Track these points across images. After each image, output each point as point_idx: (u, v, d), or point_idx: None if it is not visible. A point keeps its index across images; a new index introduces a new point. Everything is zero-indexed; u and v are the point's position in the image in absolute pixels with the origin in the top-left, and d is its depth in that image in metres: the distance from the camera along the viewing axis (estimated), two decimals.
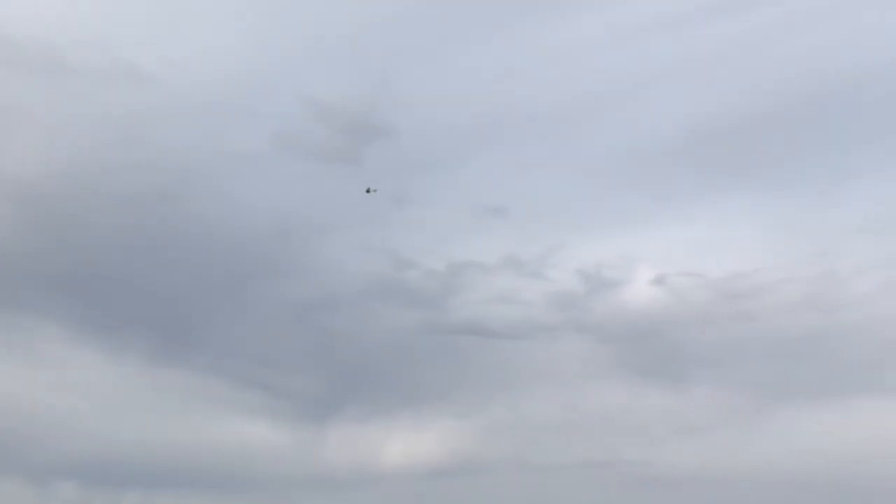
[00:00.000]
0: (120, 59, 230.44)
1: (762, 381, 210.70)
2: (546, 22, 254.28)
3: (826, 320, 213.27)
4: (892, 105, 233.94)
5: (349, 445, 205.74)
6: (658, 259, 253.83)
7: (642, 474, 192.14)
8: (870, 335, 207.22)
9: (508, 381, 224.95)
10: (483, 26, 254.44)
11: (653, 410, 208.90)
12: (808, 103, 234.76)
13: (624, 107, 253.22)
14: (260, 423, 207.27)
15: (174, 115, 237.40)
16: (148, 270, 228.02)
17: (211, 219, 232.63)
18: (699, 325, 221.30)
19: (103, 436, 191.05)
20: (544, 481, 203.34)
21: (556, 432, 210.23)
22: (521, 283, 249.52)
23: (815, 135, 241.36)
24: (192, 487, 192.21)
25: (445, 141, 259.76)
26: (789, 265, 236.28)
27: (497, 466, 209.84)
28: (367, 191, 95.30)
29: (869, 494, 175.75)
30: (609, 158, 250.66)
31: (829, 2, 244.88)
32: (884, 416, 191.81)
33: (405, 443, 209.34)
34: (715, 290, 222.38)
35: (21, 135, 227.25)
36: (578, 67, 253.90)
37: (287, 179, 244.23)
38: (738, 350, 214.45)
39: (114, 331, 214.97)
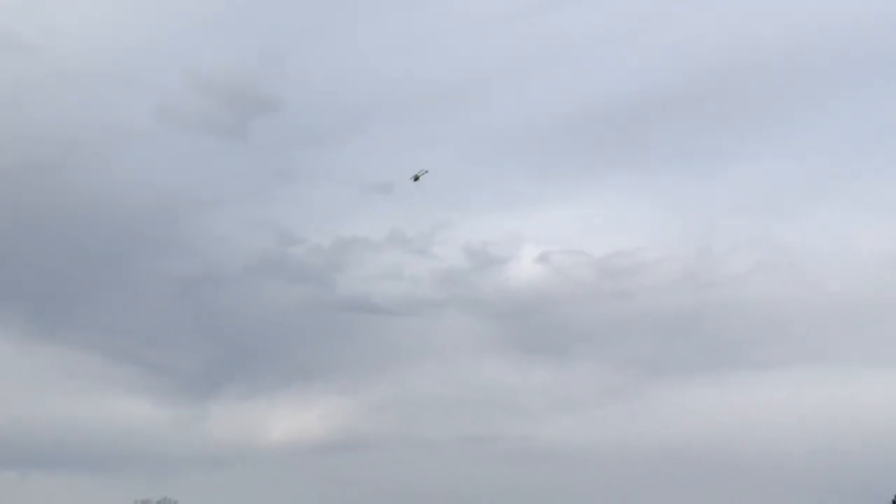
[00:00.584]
0: None
1: (641, 357, 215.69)
2: (438, 1, 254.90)
3: (702, 298, 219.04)
4: (767, 92, 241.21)
5: (232, 422, 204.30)
6: (543, 238, 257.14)
7: (525, 449, 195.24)
8: (743, 312, 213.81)
9: (394, 358, 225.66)
10: (373, 2, 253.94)
11: (536, 386, 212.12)
12: (689, 89, 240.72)
13: (513, 87, 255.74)
14: (141, 400, 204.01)
15: (55, 86, 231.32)
16: (25, 244, 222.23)
17: (91, 192, 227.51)
18: (581, 303, 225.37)
19: None
20: (429, 456, 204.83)
21: (441, 408, 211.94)
22: (407, 260, 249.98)
23: (694, 119, 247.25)
24: (71, 466, 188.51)
25: (333, 116, 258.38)
26: (668, 244, 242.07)
27: (382, 442, 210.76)
28: (416, 178, 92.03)
29: (741, 465, 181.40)
30: (496, 138, 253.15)
31: None
32: (756, 390, 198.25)
33: (289, 419, 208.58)
34: (597, 268, 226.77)
35: None
36: (469, 47, 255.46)
37: (170, 153, 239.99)
38: (619, 327, 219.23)
39: None
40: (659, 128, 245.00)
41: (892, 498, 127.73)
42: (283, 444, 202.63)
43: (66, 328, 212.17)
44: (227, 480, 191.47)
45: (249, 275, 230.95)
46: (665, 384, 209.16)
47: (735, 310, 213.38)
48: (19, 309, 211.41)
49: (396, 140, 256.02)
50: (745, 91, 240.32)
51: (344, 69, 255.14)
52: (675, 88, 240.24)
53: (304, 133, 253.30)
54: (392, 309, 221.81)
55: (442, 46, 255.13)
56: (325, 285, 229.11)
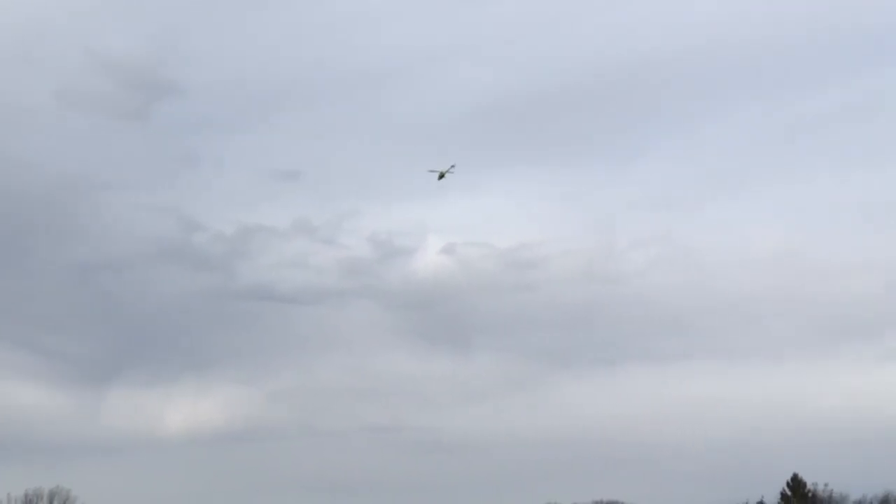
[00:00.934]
0: None
1: (544, 348, 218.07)
2: None
3: (603, 291, 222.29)
4: (671, 90, 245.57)
5: (130, 410, 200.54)
6: (448, 229, 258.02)
7: (427, 440, 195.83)
8: (642, 306, 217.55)
9: (297, 347, 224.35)
10: None
11: (439, 377, 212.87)
12: (596, 84, 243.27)
13: (422, 77, 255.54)
14: (36, 387, 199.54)
15: None
16: None
17: None
18: (486, 294, 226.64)
19: None
20: (330, 446, 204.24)
21: (344, 398, 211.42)
22: (312, 249, 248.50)
23: (601, 115, 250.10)
24: None
25: (238, 101, 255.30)
26: (571, 238, 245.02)
27: (283, 432, 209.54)
28: (441, 176, 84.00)
29: (640, 454, 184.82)
30: (404, 127, 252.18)
31: None
32: (653, 382, 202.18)
33: (189, 408, 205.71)
34: (501, 260, 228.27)
35: None
36: (380, 36, 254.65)
37: (70, 135, 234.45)
38: (522, 319, 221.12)
39: None
40: (566, 122, 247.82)
41: (782, 486, 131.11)
42: (181, 433, 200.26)
43: None
44: (124, 469, 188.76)
45: (150, 261, 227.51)
46: (566, 375, 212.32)
47: (634, 304, 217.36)
48: None
49: (303, 127, 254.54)
50: (650, 88, 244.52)
51: (251, 55, 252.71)
52: (583, 83, 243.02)
53: (209, 118, 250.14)
54: (296, 298, 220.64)
55: (352, 34, 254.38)
56: (227, 273, 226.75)
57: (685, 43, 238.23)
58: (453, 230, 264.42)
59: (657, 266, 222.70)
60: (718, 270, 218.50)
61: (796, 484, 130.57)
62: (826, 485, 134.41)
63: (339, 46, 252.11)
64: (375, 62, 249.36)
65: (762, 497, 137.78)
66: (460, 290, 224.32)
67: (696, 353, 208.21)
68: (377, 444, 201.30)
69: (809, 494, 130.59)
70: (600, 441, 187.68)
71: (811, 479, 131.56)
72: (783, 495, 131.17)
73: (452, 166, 77.33)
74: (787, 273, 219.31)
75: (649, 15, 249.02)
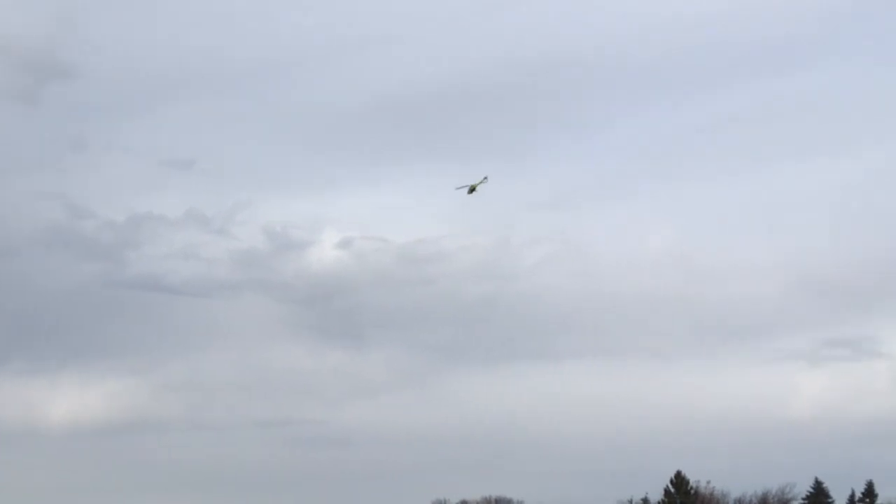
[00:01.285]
0: None
1: (438, 344, 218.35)
2: None
3: (499, 288, 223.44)
4: (573, 91, 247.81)
5: (12, 400, 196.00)
6: (345, 222, 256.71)
7: (317, 434, 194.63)
8: (536, 304, 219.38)
9: (186, 340, 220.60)
10: None
11: (331, 371, 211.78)
12: (498, 82, 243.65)
13: (322, 69, 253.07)
14: None
15: None
16: None
17: None
18: (381, 289, 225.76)
19: None
20: (218, 440, 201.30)
21: (233, 391, 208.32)
22: (204, 239, 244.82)
23: (501, 112, 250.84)
24: None
25: (132, 87, 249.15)
26: (469, 234, 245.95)
27: (170, 425, 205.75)
28: (471, 190, 75.04)
29: (532, 449, 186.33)
30: (303, 118, 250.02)
31: None
32: (546, 379, 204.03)
33: (73, 399, 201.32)
34: (398, 254, 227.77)
35: None
36: (279, 24, 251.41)
37: None
38: (417, 314, 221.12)
39: None
40: (465, 119, 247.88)
41: (666, 482, 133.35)
42: (65, 423, 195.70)
43: None
44: (5, 460, 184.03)
45: (35, 248, 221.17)
46: (460, 371, 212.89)
47: (529, 301, 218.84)
48: None
49: (198, 116, 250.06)
50: (550, 89, 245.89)
51: (148, 41, 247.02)
52: (485, 81, 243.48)
53: (101, 102, 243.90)
54: (187, 289, 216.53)
55: (251, 23, 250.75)
56: (116, 262, 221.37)
57: (585, 45, 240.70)
58: (350, 224, 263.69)
59: (551, 264, 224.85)
60: (610, 270, 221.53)
61: (679, 481, 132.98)
62: (708, 482, 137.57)
63: (238, 35, 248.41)
64: (274, 52, 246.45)
65: (646, 494, 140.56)
66: (356, 284, 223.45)
67: (587, 352, 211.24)
68: (266, 438, 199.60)
69: (692, 492, 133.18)
70: (491, 437, 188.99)
71: (694, 477, 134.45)
72: (666, 492, 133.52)
73: (485, 178, 71.47)
74: (676, 274, 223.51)
75: (554, 15, 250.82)
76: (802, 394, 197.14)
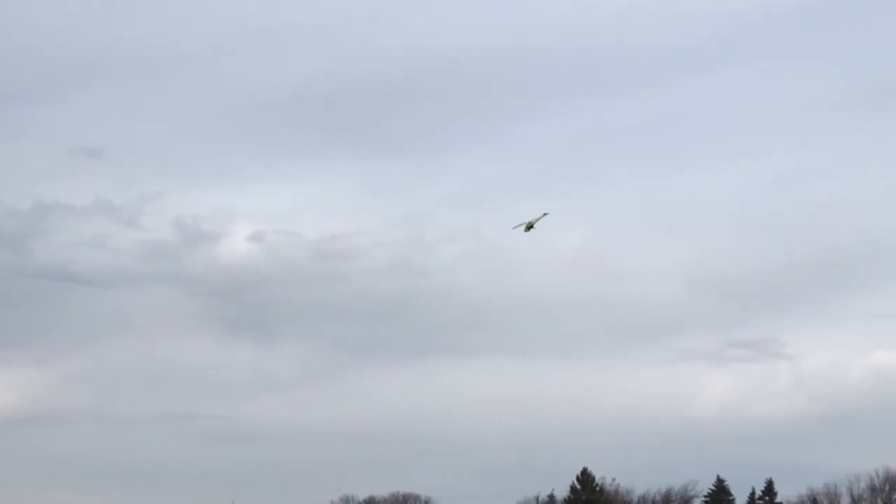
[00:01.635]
0: None
1: (349, 340, 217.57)
2: None
3: (413, 285, 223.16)
4: (489, 89, 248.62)
5: None
6: (257, 216, 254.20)
7: (223, 428, 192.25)
8: (449, 301, 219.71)
9: (92, 331, 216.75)
10: None
11: (239, 366, 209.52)
12: (417, 80, 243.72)
13: (237, 60, 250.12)
14: None
15: None
16: None
17: None
18: (293, 284, 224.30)
19: None
20: (123, 433, 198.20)
21: (139, 384, 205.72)
22: (112, 230, 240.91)
23: (419, 110, 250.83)
24: None
25: (42, 74, 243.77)
26: (383, 230, 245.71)
27: (74, 416, 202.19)
28: (528, 228, 71.54)
29: (443, 444, 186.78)
30: (218, 109, 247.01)
31: None
32: (457, 375, 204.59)
33: None
34: (311, 249, 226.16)
35: None
36: (195, 14, 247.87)
37: None
38: (330, 309, 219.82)
39: None
40: (383, 115, 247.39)
41: (573, 478, 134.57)
42: None
43: None
44: None
45: None
46: (371, 368, 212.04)
47: (442, 298, 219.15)
48: None
49: (109, 104, 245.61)
50: (468, 86, 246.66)
51: (59, 27, 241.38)
52: (403, 77, 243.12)
53: (7, 90, 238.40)
54: (93, 280, 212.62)
55: (166, 13, 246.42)
56: (21, 251, 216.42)
57: (503, 43, 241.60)
58: (262, 217, 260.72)
59: (466, 261, 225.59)
60: (523, 269, 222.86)
61: (585, 478, 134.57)
62: (614, 479, 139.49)
63: (152, 24, 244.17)
64: (189, 42, 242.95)
65: (553, 490, 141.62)
66: (267, 278, 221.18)
67: (499, 349, 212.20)
68: (170, 431, 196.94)
69: (598, 489, 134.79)
70: (400, 434, 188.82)
71: (600, 474, 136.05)
72: (573, 489, 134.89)
73: (545, 214, 69.36)
74: (587, 274, 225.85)
75: (473, 13, 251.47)
76: (706, 393, 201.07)
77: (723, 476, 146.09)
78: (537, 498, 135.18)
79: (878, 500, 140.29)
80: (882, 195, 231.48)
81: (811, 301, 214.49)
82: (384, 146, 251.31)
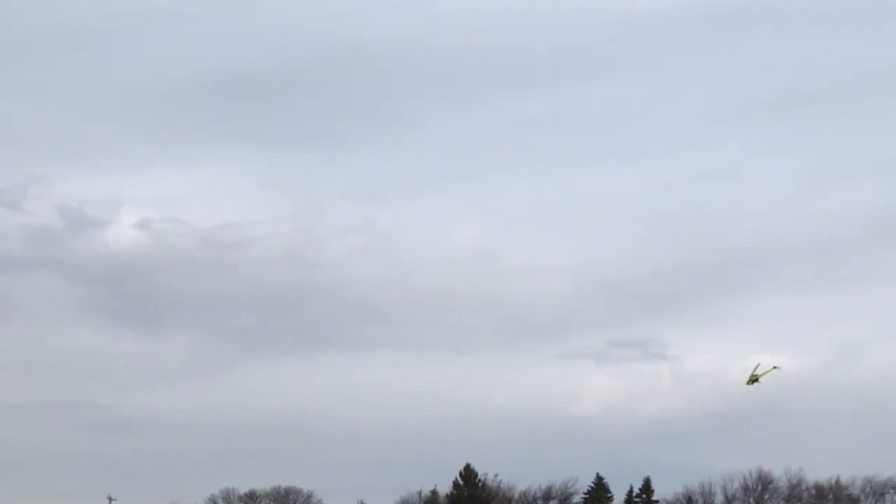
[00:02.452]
0: None
1: (238, 331, 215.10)
2: None
3: (304, 277, 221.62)
4: (383, 83, 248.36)
5: None
6: (145, 203, 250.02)
7: (105, 418, 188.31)
8: (342, 294, 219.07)
9: None
10: None
11: (125, 355, 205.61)
12: (310, 69, 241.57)
13: (128, 44, 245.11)
14: None
15: None
16: None
17: None
18: (181, 273, 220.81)
19: None
20: (6, 421, 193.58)
21: (21, 371, 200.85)
22: None
23: (314, 100, 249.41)
24: None
25: None
26: (275, 221, 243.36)
27: None
28: (753, 381, 71.80)
29: (331, 438, 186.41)
30: (107, 92, 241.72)
31: None
32: (347, 369, 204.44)
33: None
34: (201, 238, 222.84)
35: None
36: None
37: None
38: (217, 300, 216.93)
39: None
40: (278, 103, 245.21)
41: (458, 470, 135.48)
42: None
43: None
44: None
45: None
46: (260, 360, 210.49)
47: (334, 292, 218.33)
48: None
49: None
50: (366, 79, 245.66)
51: None
52: (301, 67, 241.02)
53: None
54: None
55: None
56: None
57: (401, 38, 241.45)
58: (151, 205, 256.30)
59: (359, 255, 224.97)
60: (416, 265, 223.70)
61: (468, 474, 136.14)
62: (496, 475, 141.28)
63: (39, 3, 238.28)
64: (79, 21, 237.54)
65: (436, 486, 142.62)
66: (154, 266, 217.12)
67: (389, 344, 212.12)
68: (51, 420, 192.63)
69: (480, 484, 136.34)
70: (285, 427, 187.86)
71: (483, 470, 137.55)
72: (455, 484, 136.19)
73: (774, 367, 68.69)
74: (478, 271, 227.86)
75: (372, 6, 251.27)
76: (591, 392, 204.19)
77: (603, 474, 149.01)
78: (420, 493, 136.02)
79: (751, 500, 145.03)
80: (767, 203, 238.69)
81: (695, 304, 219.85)
82: (279, 137, 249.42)
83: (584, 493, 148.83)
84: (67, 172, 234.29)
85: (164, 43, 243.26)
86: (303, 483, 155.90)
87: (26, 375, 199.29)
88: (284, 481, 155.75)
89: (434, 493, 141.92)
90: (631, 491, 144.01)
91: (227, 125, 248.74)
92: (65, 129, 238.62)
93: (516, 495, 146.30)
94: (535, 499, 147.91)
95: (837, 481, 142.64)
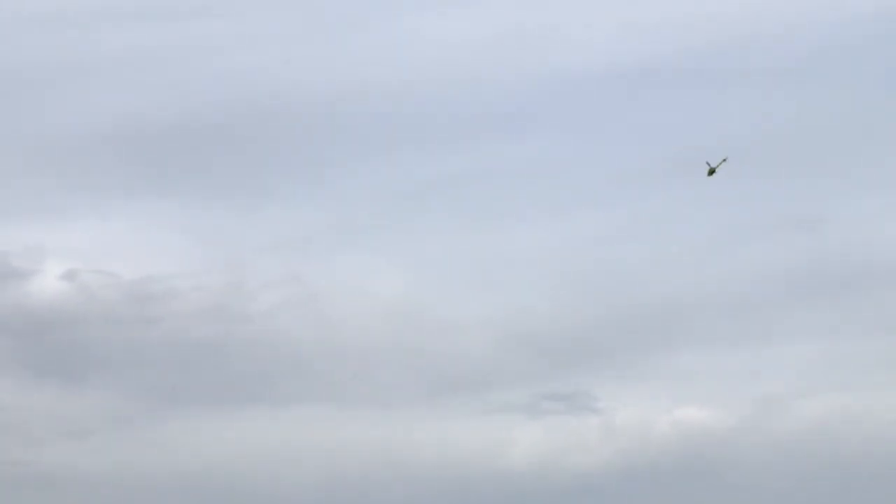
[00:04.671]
0: None
1: (160, 385, 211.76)
2: None
3: (230, 331, 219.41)
4: (308, 132, 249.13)
5: None
6: (71, 254, 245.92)
7: (21, 474, 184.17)
8: (267, 348, 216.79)
9: None
10: None
11: (41, 410, 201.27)
12: (233, 120, 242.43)
13: (56, 91, 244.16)
14: None
15: None
16: None
17: None
18: (105, 326, 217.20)
19: None
20: None
21: None
22: None
23: (238, 152, 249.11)
24: None
25: None
26: (201, 274, 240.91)
27: None
28: (711, 172, 75.94)
29: (253, 495, 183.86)
30: (30, 141, 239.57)
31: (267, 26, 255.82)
32: (272, 424, 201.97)
33: None
34: (126, 290, 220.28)
35: None
36: (12, 39, 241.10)
37: None
38: (140, 353, 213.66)
39: None
40: (201, 155, 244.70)
41: None
42: None
43: None
44: None
45: None
46: (183, 414, 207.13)
47: (260, 345, 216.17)
48: None
49: None
50: (285, 129, 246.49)
51: None
52: (229, 120, 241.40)
53: None
54: None
55: None
56: None
57: (328, 89, 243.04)
58: (77, 256, 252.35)
59: (285, 309, 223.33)
60: (342, 318, 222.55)
61: None
62: None
63: None
64: (2, 71, 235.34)
65: None
66: (78, 319, 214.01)
67: (313, 398, 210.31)
68: None
69: None
70: (204, 483, 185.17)
71: None
72: None
73: (725, 160, 70.89)
74: (404, 325, 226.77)
75: (301, 57, 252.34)
76: (519, 446, 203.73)
77: None
78: None
79: None
80: (686, 259, 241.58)
81: (620, 358, 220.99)
82: (207, 188, 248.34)
83: None
84: None
85: (92, 93, 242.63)
86: None
87: None
88: None
89: None
90: None
91: (153, 177, 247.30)
92: None
93: None
94: None
95: None
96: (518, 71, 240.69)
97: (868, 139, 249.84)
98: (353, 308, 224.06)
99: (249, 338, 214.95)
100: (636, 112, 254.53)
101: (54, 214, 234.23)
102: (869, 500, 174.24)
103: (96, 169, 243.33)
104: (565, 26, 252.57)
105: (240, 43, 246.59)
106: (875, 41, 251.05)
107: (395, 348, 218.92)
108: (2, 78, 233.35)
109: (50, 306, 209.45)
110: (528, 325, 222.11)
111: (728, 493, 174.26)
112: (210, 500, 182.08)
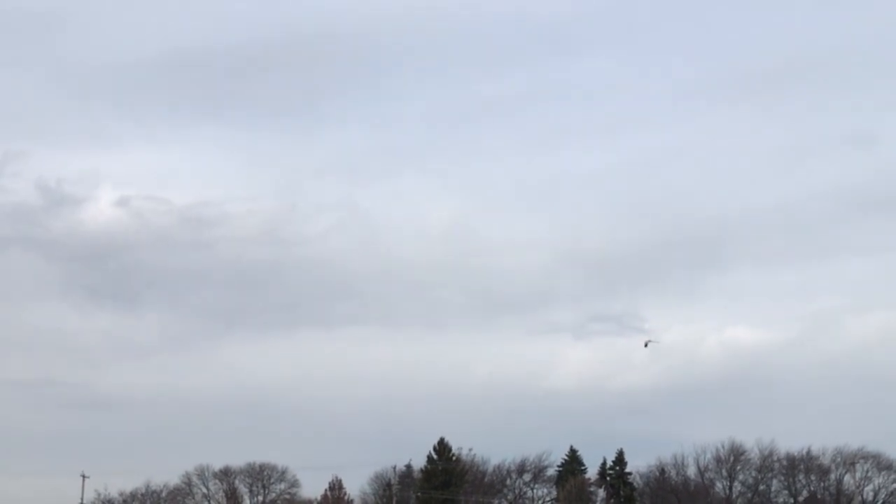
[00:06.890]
0: None
1: (215, 308, 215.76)
2: None
3: (282, 254, 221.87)
4: (365, 59, 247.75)
5: None
6: (124, 180, 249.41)
7: (81, 395, 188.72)
8: (321, 270, 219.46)
9: None
10: None
11: (100, 333, 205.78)
12: (289, 46, 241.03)
13: (110, 19, 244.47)
14: None
15: None
16: None
17: None
18: (159, 250, 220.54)
19: None
20: None
21: None
22: None
23: (292, 78, 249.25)
24: None
25: None
26: (254, 198, 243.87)
27: None
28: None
29: (310, 415, 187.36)
30: (86, 69, 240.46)
31: None
32: (325, 345, 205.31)
33: None
34: (179, 216, 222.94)
35: None
36: None
37: None
38: (196, 277, 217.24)
39: None
40: (256, 81, 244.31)
41: (433, 445, 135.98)
42: None
43: None
44: None
45: None
46: (237, 337, 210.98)
47: (313, 268, 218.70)
48: None
49: None
50: (346, 59, 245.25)
51: None
52: (277, 44, 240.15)
53: None
54: None
55: None
56: None
57: (382, 15, 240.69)
58: (129, 182, 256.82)
59: (337, 231, 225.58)
60: (394, 240, 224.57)
61: (442, 448, 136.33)
62: (470, 449, 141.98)
63: None
64: (56, 1, 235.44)
65: (410, 460, 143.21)
66: (132, 244, 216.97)
67: (366, 319, 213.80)
68: (26, 398, 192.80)
69: (454, 458, 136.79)
70: (259, 403, 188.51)
71: (457, 444, 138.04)
72: (429, 458, 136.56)
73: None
74: (456, 246, 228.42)
75: None
76: (567, 366, 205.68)
77: (576, 447, 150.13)
78: (394, 468, 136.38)
79: (723, 470, 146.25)
80: (740, 178, 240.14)
81: (670, 278, 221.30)
82: (258, 114, 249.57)
83: (558, 466, 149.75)
84: (46, 150, 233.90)
85: (144, 21, 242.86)
86: (278, 459, 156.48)
87: (2, 353, 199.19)
88: (259, 457, 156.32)
89: (409, 467, 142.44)
90: (604, 463, 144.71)
91: (205, 103, 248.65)
92: (43, 106, 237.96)
93: (490, 469, 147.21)
94: (509, 472, 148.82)
95: (808, 452, 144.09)
96: None
97: None
98: (406, 230, 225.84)
99: (303, 261, 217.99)
100: (689, 33, 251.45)
101: (107, 142, 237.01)
102: None
103: (150, 97, 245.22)
104: None
105: None
106: None
107: (446, 269, 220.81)
108: (55, 9, 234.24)
109: (104, 232, 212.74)
110: (578, 246, 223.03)
111: (776, 413, 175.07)
112: (265, 418, 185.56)
